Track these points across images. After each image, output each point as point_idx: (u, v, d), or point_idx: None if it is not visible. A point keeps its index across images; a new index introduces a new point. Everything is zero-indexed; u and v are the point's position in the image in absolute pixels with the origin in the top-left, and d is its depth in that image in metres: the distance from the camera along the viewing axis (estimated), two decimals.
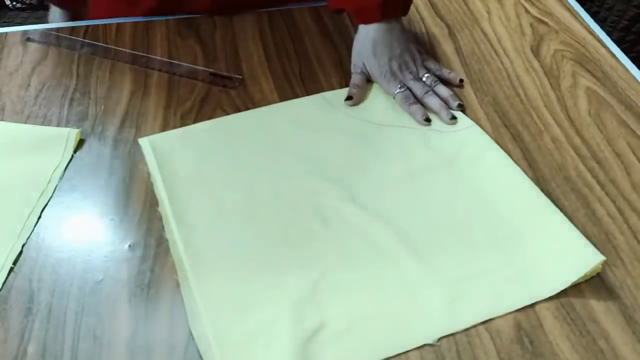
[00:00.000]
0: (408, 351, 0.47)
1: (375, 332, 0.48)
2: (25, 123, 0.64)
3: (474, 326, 0.49)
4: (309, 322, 0.48)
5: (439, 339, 0.48)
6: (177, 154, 0.61)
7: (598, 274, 0.52)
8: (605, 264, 0.53)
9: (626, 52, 0.78)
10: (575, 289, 0.51)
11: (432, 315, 0.49)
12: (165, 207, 0.56)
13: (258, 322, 0.48)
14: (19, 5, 1.47)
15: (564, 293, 0.51)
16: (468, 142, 0.64)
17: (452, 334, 0.48)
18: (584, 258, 0.52)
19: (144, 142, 0.62)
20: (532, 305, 0.50)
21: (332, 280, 0.51)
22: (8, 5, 1.49)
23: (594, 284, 0.52)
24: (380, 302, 0.50)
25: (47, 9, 0.93)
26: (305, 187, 0.58)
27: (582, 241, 0.53)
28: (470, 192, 0.59)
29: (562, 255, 0.53)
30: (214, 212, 0.56)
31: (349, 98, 0.67)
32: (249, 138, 0.63)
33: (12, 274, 0.51)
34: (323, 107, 0.67)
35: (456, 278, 0.51)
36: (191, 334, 0.47)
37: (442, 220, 0.56)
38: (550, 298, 0.50)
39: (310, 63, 0.74)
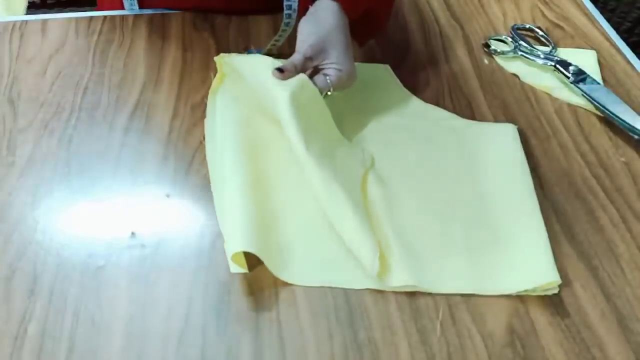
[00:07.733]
0: (401, 356, 0.47)
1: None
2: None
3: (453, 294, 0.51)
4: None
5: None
6: (241, 79, 0.65)
7: (597, 282, 0.52)
8: (604, 272, 0.53)
9: None
10: (573, 296, 0.51)
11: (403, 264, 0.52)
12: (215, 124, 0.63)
13: (280, 230, 0.55)
14: None
15: (559, 299, 0.51)
16: (493, 137, 0.64)
17: (444, 335, 0.48)
18: (540, 273, 0.51)
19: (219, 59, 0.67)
20: (526, 310, 0.50)
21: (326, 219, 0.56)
22: None
23: (592, 291, 0.52)
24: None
25: (49, 7, 0.93)
26: (336, 153, 0.61)
27: (548, 257, 0.52)
28: (475, 184, 0.59)
29: (522, 263, 0.52)
30: (252, 138, 0.62)
31: (280, 70, 0.60)
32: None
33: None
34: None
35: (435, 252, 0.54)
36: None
37: (440, 204, 0.58)
38: (546, 303, 0.50)
39: None
